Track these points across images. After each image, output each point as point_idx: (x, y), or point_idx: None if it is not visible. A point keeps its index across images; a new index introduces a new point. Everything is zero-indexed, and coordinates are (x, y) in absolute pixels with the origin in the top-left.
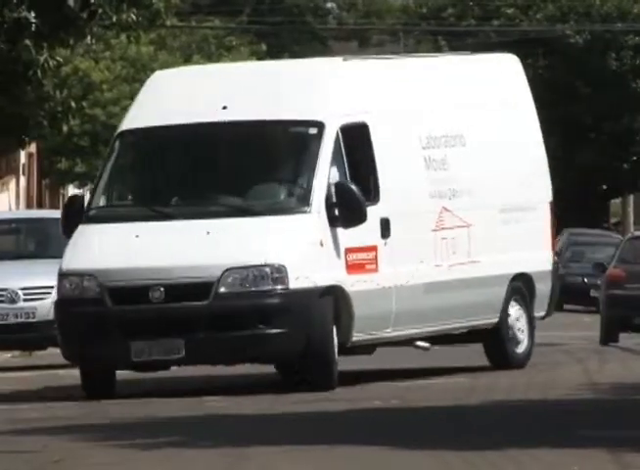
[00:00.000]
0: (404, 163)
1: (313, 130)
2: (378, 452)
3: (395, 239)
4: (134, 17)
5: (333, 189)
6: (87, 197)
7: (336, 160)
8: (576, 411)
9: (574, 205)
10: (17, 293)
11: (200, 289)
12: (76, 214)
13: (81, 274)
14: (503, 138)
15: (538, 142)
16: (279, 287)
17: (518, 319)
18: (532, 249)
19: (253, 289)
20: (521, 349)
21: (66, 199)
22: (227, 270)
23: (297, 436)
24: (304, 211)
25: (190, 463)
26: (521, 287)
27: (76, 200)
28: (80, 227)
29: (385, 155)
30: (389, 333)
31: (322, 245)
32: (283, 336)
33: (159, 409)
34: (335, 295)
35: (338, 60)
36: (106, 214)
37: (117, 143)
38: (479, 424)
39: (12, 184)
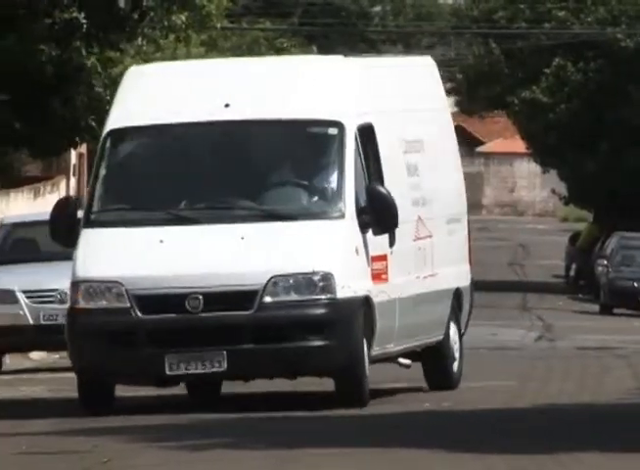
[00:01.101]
0: (395, 167)
1: (333, 131)
2: (424, 455)
3: (396, 249)
4: (184, 19)
5: (363, 193)
6: (82, 199)
7: (356, 162)
8: (626, 415)
9: (626, 208)
10: (67, 293)
11: (242, 298)
12: (69, 218)
13: (104, 282)
14: (441, 145)
15: (457, 150)
16: (326, 296)
17: (454, 336)
18: (461, 262)
19: (300, 298)
20: (455, 367)
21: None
22: (273, 278)
23: (345, 438)
24: (339, 217)
25: (237, 464)
26: (454, 302)
27: (68, 202)
28: (85, 232)
29: (384, 158)
30: (392, 348)
31: (357, 252)
32: (330, 349)
33: (207, 411)
34: (366, 306)
35: (339, 57)
36: (114, 218)
37: (109, 143)
38: (526, 428)
39: (62, 185)
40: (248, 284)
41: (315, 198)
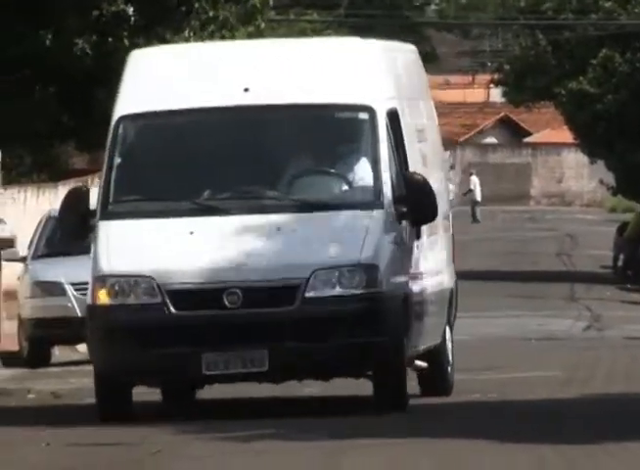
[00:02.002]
0: (413, 156)
1: (364, 115)
2: (474, 446)
3: (421, 242)
4: (230, 13)
5: (397, 181)
6: (95, 190)
7: (388, 149)
8: None
9: None
10: None
11: (284, 292)
12: (81, 209)
13: (132, 276)
14: (436, 138)
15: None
16: (372, 290)
17: (449, 339)
18: (451, 262)
19: (345, 293)
20: (449, 370)
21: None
22: (316, 271)
23: (393, 429)
24: (377, 206)
25: (285, 455)
26: (449, 303)
27: (80, 193)
28: (103, 224)
29: (407, 147)
30: (417, 348)
31: (397, 244)
32: (376, 346)
33: (255, 404)
34: (406, 302)
35: (359, 39)
36: (134, 209)
37: (121, 129)
38: (575, 418)
39: None
40: (289, 278)
41: (350, 186)
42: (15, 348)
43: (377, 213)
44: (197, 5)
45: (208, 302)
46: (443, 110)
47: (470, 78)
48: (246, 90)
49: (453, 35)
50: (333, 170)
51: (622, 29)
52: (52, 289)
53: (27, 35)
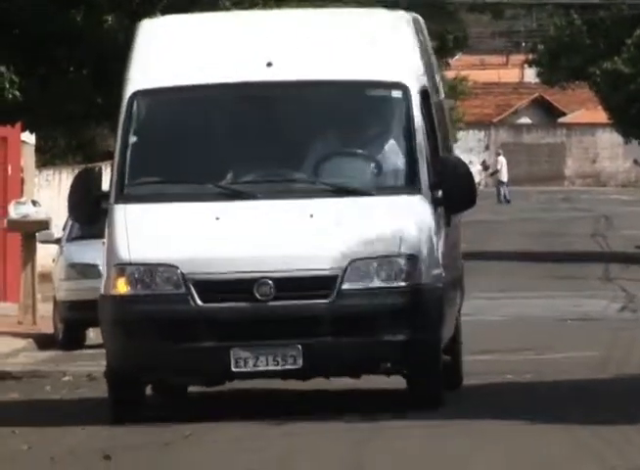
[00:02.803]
0: (438, 138)
1: (397, 93)
2: (509, 426)
3: (449, 229)
4: None
5: (436, 164)
6: (108, 170)
7: (423, 130)
8: None
9: None
10: None
11: (319, 284)
12: (92, 191)
13: (155, 265)
14: (447, 113)
15: None
16: (412, 282)
17: (460, 326)
18: (460, 246)
19: (384, 285)
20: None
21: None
22: (353, 261)
23: (428, 410)
24: (415, 191)
25: (318, 437)
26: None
27: (92, 174)
28: (118, 208)
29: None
30: (444, 342)
31: (434, 232)
32: (418, 342)
33: (286, 385)
34: (442, 294)
35: (385, 10)
36: (153, 192)
37: (136, 106)
38: (610, 398)
39: None
40: (325, 268)
41: (383, 170)
42: (50, 330)
43: (415, 199)
44: None
45: (237, 293)
46: (478, 90)
47: (504, 59)
48: (269, 65)
49: (488, 16)
50: (365, 152)
51: None
52: (87, 271)
53: (59, 14)
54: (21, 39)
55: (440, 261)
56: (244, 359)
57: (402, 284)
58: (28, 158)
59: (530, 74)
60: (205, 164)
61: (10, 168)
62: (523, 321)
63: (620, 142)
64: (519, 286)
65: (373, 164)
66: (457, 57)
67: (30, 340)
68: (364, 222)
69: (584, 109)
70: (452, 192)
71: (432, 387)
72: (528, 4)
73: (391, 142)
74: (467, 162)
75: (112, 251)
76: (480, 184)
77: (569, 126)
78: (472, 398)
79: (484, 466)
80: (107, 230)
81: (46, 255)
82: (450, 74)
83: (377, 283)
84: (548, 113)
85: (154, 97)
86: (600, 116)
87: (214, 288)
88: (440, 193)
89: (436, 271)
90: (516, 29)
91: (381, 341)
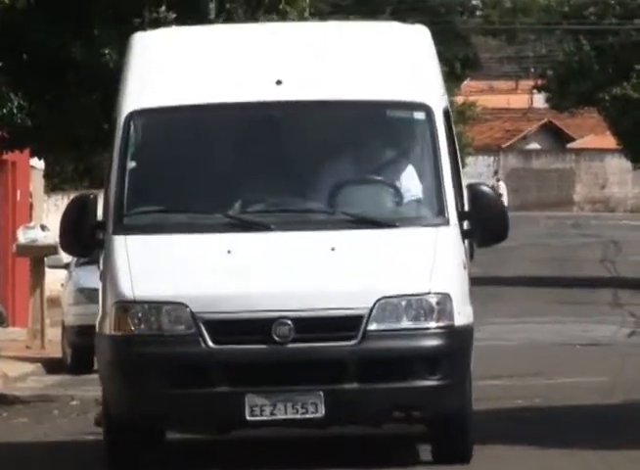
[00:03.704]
0: (457, 165)
1: (420, 115)
2: (519, 452)
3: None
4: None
5: (462, 193)
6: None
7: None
8: None
9: None
10: None
11: (343, 324)
12: (87, 221)
13: (162, 303)
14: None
15: None
16: (444, 323)
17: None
18: None
19: (414, 326)
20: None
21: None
22: (380, 300)
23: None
24: (443, 223)
25: None
26: None
27: (86, 202)
28: (118, 239)
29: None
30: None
31: (465, 268)
32: (450, 389)
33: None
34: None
35: (401, 25)
36: (156, 222)
37: (133, 127)
38: (619, 423)
39: None
40: (350, 307)
41: (409, 199)
42: (58, 354)
43: (444, 231)
44: (235, 15)
45: (253, 334)
46: (487, 115)
47: (513, 84)
48: (278, 83)
49: (497, 41)
50: (387, 180)
51: None
52: (95, 296)
53: (66, 42)
54: (30, 64)
55: (469, 297)
56: (260, 407)
57: (434, 325)
58: (37, 183)
59: (539, 100)
60: (212, 192)
61: (19, 194)
62: (532, 346)
63: (629, 168)
64: (528, 311)
65: (396, 193)
66: (466, 82)
67: (39, 364)
68: (391, 257)
69: (593, 134)
70: (483, 224)
71: (462, 438)
72: (538, 29)
73: (415, 168)
74: (494, 182)
75: (112, 287)
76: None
77: (577, 152)
78: (482, 423)
79: None
80: (104, 264)
81: (55, 279)
82: (459, 100)
83: (406, 323)
84: (557, 138)
85: (153, 117)
86: (609, 141)
87: (227, 328)
88: (468, 224)
89: (467, 310)
90: (525, 55)
91: (411, 387)
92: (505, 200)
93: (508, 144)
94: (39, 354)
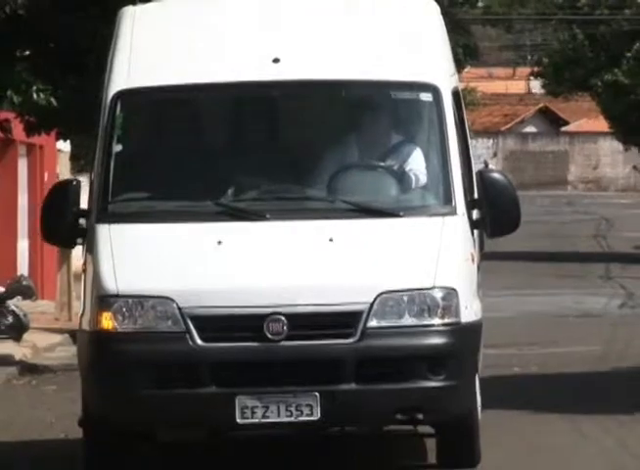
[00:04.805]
0: (467, 150)
1: (427, 96)
2: (514, 415)
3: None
4: None
5: (472, 180)
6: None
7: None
8: None
9: None
10: None
11: (341, 321)
12: (68, 208)
13: (146, 297)
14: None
15: None
16: (450, 320)
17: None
18: None
19: (417, 322)
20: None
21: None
22: (381, 295)
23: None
24: (450, 212)
25: None
26: None
27: (69, 188)
28: (101, 228)
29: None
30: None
31: (473, 261)
32: (454, 390)
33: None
34: (480, 332)
35: None
36: (143, 210)
37: (119, 108)
38: (610, 389)
39: None
40: (348, 303)
41: (414, 186)
42: None
43: (452, 221)
44: None
45: (244, 331)
46: (486, 101)
47: (511, 71)
48: (275, 61)
49: (496, 30)
50: (391, 166)
51: None
52: None
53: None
54: (54, 51)
55: (478, 292)
56: (251, 409)
57: (438, 321)
58: (64, 165)
59: (536, 86)
60: (203, 178)
61: (46, 175)
62: (528, 317)
63: (620, 149)
64: (525, 284)
65: (400, 180)
66: (467, 69)
67: (66, 335)
68: (393, 248)
69: (586, 118)
70: (495, 214)
71: (469, 442)
72: (534, 19)
73: (422, 153)
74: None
75: (95, 279)
76: None
77: (572, 135)
78: (482, 388)
79: (497, 453)
80: (87, 254)
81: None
82: (460, 86)
83: (408, 320)
84: (552, 122)
85: (141, 98)
86: (601, 124)
87: (217, 325)
88: (478, 213)
89: (476, 305)
90: (522, 43)
91: (412, 388)
92: None
93: (506, 127)
94: (67, 326)
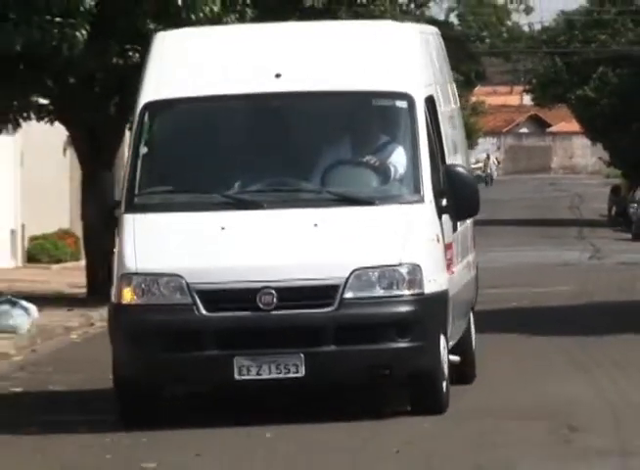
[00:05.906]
0: (447, 145)
1: (401, 103)
2: (512, 337)
3: (456, 235)
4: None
5: (441, 173)
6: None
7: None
8: None
9: None
10: None
11: (321, 293)
12: (106, 200)
13: (160, 274)
14: (460, 120)
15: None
16: (414, 291)
17: (472, 325)
18: (473, 246)
19: (385, 294)
20: (474, 357)
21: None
22: (355, 271)
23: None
24: (418, 200)
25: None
26: (474, 290)
27: (106, 182)
28: (128, 217)
29: (443, 135)
30: (450, 346)
31: (438, 240)
32: (419, 350)
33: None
34: (447, 301)
35: (394, 22)
36: (162, 202)
37: (147, 117)
38: (585, 317)
39: None
40: (327, 278)
41: (388, 179)
42: None
43: (418, 208)
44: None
45: (241, 303)
46: (491, 110)
47: (509, 88)
48: (277, 76)
49: (499, 59)
50: (370, 161)
51: (614, 54)
52: None
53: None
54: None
55: (445, 268)
56: (247, 368)
57: (403, 293)
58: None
59: (527, 99)
60: (214, 174)
61: None
62: (521, 266)
63: (589, 144)
64: (518, 243)
65: (377, 174)
66: (477, 88)
67: None
68: (367, 232)
69: (564, 122)
70: (456, 200)
71: (435, 393)
72: (526, 51)
73: (397, 151)
74: (484, 157)
75: (120, 260)
76: (492, 172)
77: (554, 134)
78: (487, 318)
79: (495, 368)
80: (117, 239)
81: None
82: (473, 99)
83: (379, 292)
84: (540, 125)
85: (163, 108)
86: (575, 127)
87: (218, 297)
88: (445, 201)
89: (441, 279)
90: (517, 68)
91: (382, 349)
92: (494, 173)
93: (506, 129)
94: None
